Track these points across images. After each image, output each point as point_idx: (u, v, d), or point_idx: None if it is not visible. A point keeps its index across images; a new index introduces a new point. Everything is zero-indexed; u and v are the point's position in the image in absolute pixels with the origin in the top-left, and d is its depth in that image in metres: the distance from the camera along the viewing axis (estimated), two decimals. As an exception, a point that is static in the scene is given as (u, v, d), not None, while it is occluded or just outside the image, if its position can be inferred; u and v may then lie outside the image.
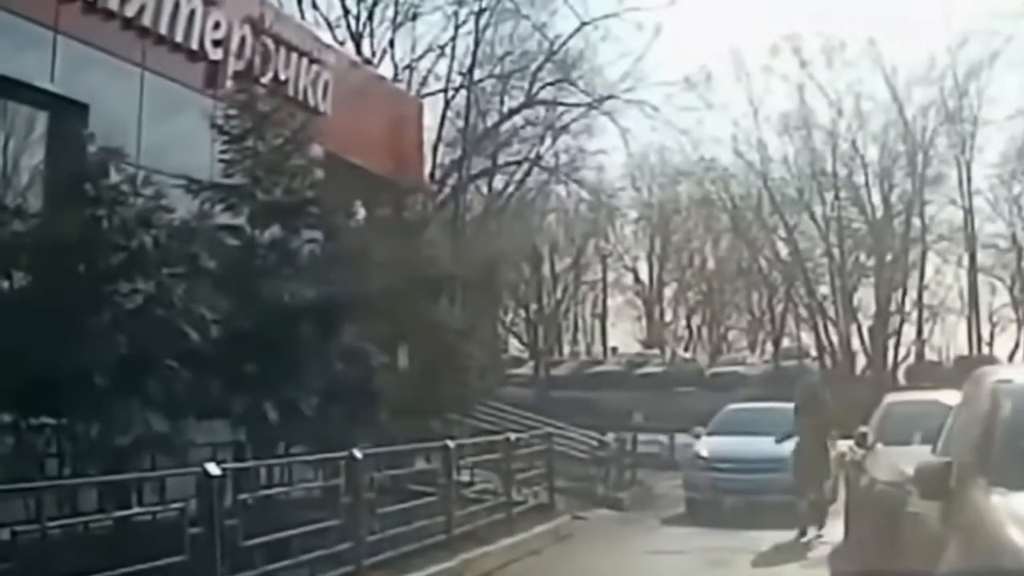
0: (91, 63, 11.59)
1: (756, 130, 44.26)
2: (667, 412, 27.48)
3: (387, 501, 10.71)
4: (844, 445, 14.14)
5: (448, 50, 33.22)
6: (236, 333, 9.96)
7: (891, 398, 13.72)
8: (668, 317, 56.42)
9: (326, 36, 23.20)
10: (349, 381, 11.09)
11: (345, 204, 14.52)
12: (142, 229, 9.39)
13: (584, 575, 12.78)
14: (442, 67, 33.43)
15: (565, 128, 35.96)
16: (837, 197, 45.12)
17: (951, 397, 8.28)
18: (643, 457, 22.12)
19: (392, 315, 13.16)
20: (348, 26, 31.91)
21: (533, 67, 34.24)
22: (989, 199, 46.05)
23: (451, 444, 12.33)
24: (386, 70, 29.95)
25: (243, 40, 14.17)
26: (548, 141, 36.21)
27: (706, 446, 17.66)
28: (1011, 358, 43.25)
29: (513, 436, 14.83)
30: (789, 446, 14.98)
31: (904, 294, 45.45)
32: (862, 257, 46.35)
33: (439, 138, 32.45)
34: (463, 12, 32.78)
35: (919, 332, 46.60)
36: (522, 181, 37.18)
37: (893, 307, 45.14)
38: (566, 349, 55.66)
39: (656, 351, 51.60)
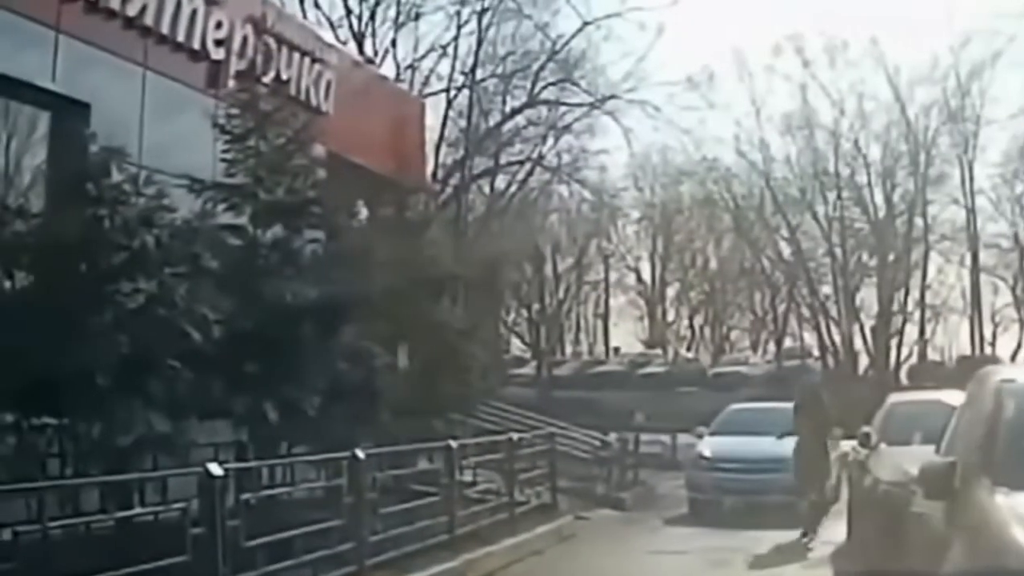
0: (93, 62, 11.59)
1: (758, 130, 44.31)
2: (669, 412, 27.44)
3: (390, 501, 10.71)
4: (847, 445, 14.12)
5: (450, 50, 33.25)
6: (238, 333, 9.95)
7: (894, 398, 13.72)
8: (670, 317, 56.36)
9: (328, 36, 23.22)
10: (351, 381, 11.09)
11: (347, 204, 14.53)
12: (144, 229, 9.39)
13: (587, 575, 12.77)
14: (444, 67, 33.47)
15: (567, 128, 35.95)
16: (839, 197, 45.10)
17: (954, 397, 8.28)
18: (645, 457, 22.11)
19: (394, 315, 13.16)
20: (350, 26, 31.97)
21: (535, 67, 34.24)
22: (992, 199, 46.05)
23: (454, 444, 12.32)
24: (388, 70, 29.98)
25: (245, 40, 14.16)
26: (550, 141, 36.24)
27: (709, 446, 17.65)
28: (1013, 358, 43.20)
29: (516, 436, 14.82)
30: (791, 445, 14.95)
31: (906, 294, 45.42)
32: (864, 257, 46.32)
33: (441, 138, 32.45)
34: (465, 12, 32.81)
35: (921, 332, 46.60)
36: (524, 181, 37.16)
37: (895, 307, 45.10)
38: (568, 349, 55.58)
39: (658, 351, 51.52)
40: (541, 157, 36.22)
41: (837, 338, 45.31)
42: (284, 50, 15.24)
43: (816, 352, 45.92)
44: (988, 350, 45.38)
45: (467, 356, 15.30)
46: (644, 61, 46.55)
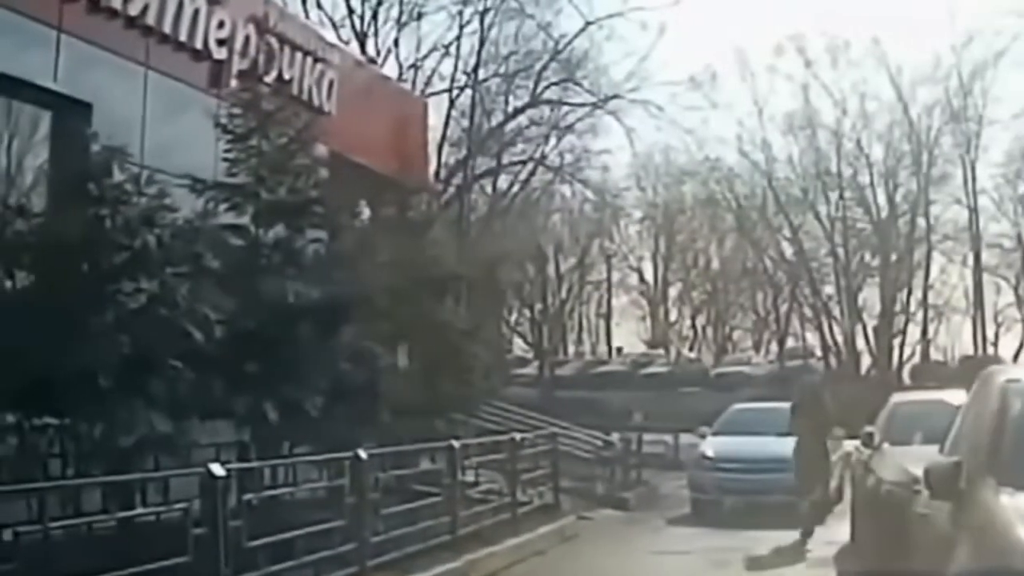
0: (95, 62, 11.59)
1: (761, 130, 44.35)
2: (672, 412, 27.42)
3: (392, 501, 10.70)
4: (850, 445, 14.10)
5: (453, 49, 33.25)
6: (240, 333, 9.93)
7: (897, 398, 13.69)
8: (673, 317, 56.34)
9: (330, 35, 23.17)
10: (354, 381, 11.07)
11: (349, 204, 14.52)
12: (146, 228, 9.37)
13: (589, 575, 12.75)
14: (447, 66, 33.49)
15: (570, 128, 35.94)
16: (842, 197, 45.10)
17: (957, 397, 8.26)
18: (648, 457, 22.09)
19: (396, 315, 13.15)
20: (352, 25, 31.99)
21: (538, 67, 34.25)
22: (994, 198, 45.99)
23: (456, 444, 12.30)
24: (390, 69, 30.01)
25: (247, 39, 14.16)
26: (553, 141, 36.22)
27: (711, 446, 17.62)
28: (1016, 358, 43.17)
29: (518, 436, 14.80)
30: (792, 444, 14.92)
31: (909, 294, 45.41)
32: (867, 257, 46.31)
33: (444, 138, 32.46)
34: (468, 11, 32.82)
35: (924, 332, 46.60)
36: (527, 181, 37.17)
37: (898, 307, 45.09)
38: (571, 349, 55.58)
39: (661, 351, 51.51)
40: (543, 157, 36.25)
41: (839, 338, 45.33)
42: (286, 50, 15.23)
43: (818, 352, 45.91)
44: (991, 350, 45.34)
45: (469, 356, 15.28)
46: (646, 61, 46.76)
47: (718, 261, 54.44)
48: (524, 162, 36.23)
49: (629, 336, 55.64)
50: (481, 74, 33.66)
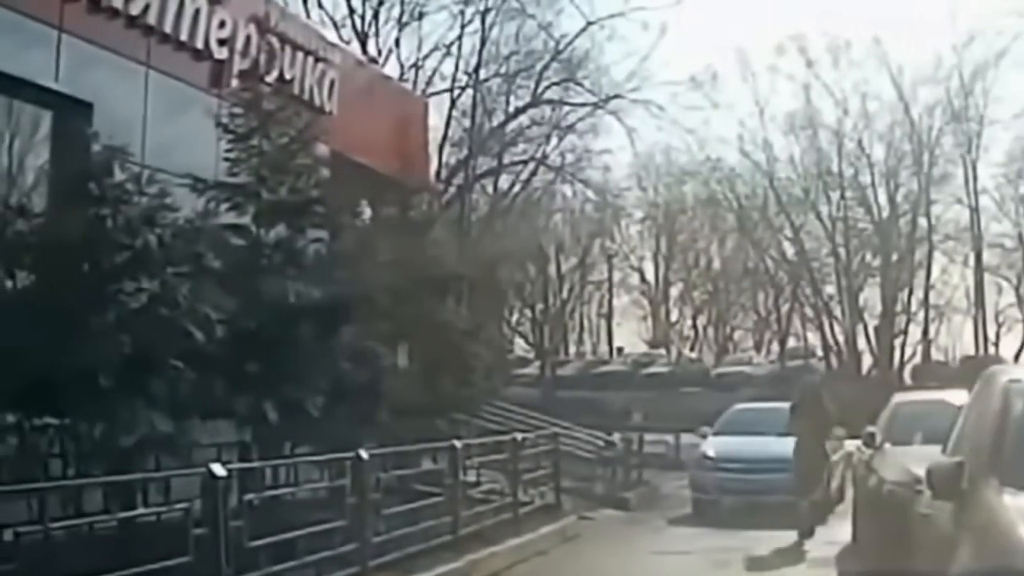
0: (95, 62, 11.57)
1: (762, 130, 44.27)
2: (673, 412, 27.43)
3: (393, 502, 10.70)
4: (851, 445, 14.09)
5: (454, 49, 33.20)
6: (241, 333, 9.92)
7: (899, 398, 13.69)
8: (674, 317, 56.33)
9: (331, 35, 23.13)
10: (355, 381, 11.07)
11: (350, 203, 14.50)
12: (146, 228, 9.36)
13: (591, 575, 12.75)
14: (448, 66, 33.47)
15: (571, 127, 35.88)
16: (843, 197, 45.05)
17: (959, 397, 8.25)
18: (649, 457, 22.08)
19: (398, 315, 13.14)
20: (353, 25, 31.93)
21: (539, 66, 34.18)
22: (995, 198, 45.93)
23: (457, 444, 12.30)
24: (392, 69, 29.98)
25: (248, 39, 14.15)
26: (554, 141, 36.14)
27: (712, 446, 17.62)
28: (1017, 358, 43.15)
29: (519, 436, 14.80)
30: (792, 444, 14.91)
31: (910, 294, 45.37)
32: (868, 257, 46.27)
33: (445, 137, 32.43)
34: (469, 11, 32.74)
35: (925, 332, 46.54)
36: (528, 181, 37.12)
37: (899, 307, 45.05)
38: (572, 349, 55.59)
39: (662, 351, 51.52)
40: (545, 157, 36.20)
41: (841, 338, 45.28)
42: (287, 49, 15.22)
43: (820, 352, 45.91)
44: (992, 350, 45.31)
45: (471, 356, 15.28)
46: (647, 61, 46.80)
47: (719, 261, 54.41)
48: (525, 162, 36.20)
49: (630, 336, 55.72)
50: (482, 74, 33.66)
